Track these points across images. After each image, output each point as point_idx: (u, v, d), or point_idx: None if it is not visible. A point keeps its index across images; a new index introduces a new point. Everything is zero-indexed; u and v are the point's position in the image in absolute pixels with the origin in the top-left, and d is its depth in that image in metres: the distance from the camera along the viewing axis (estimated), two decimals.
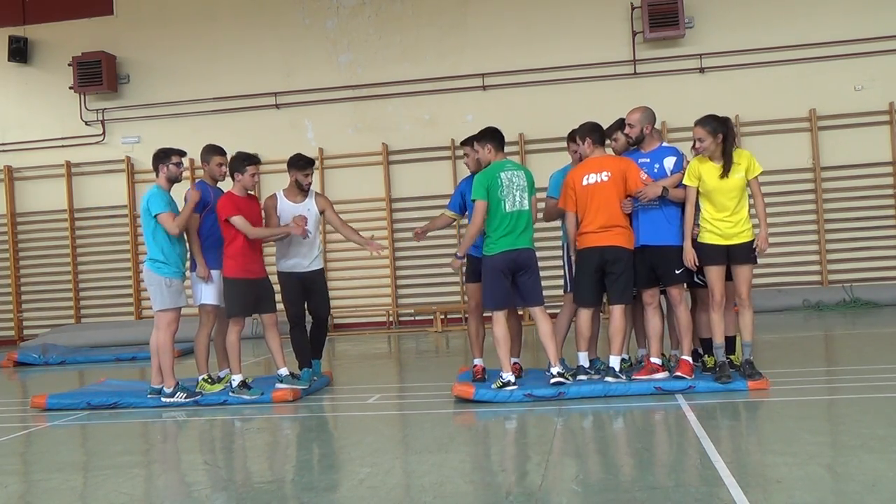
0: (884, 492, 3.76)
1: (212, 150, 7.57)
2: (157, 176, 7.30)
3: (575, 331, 6.85)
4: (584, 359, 6.81)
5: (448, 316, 14.33)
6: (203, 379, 7.49)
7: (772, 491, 3.87)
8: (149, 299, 7.66)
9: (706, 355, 6.89)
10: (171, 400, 7.18)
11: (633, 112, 6.75)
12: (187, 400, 7.18)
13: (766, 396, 6.20)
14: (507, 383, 6.62)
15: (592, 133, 6.78)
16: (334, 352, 11.64)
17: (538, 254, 6.87)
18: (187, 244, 7.39)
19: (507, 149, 7.09)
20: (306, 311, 7.75)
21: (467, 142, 7.32)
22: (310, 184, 7.64)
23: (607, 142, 6.94)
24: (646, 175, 6.56)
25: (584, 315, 6.76)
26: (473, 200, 6.67)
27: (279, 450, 5.83)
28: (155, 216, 7.07)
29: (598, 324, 7.03)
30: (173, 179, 7.32)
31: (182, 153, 7.43)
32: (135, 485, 4.81)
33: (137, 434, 6.51)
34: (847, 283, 13.57)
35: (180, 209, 7.27)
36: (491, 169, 6.69)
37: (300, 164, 7.58)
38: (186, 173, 15.11)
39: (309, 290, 7.67)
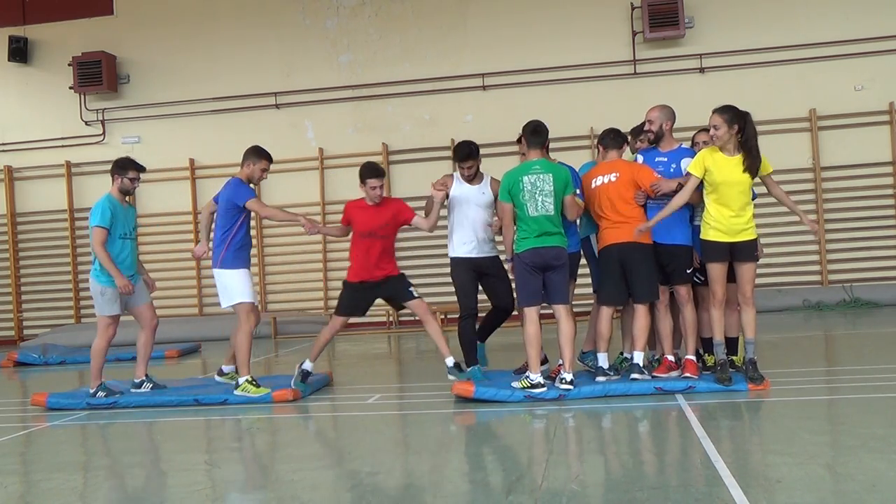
0: (884, 492, 3.76)
1: (261, 155, 7.31)
2: (112, 184, 7.40)
3: (595, 331, 6.84)
4: (603, 360, 6.75)
5: (448, 316, 14.30)
6: (247, 381, 7.17)
7: (772, 491, 3.87)
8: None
9: (706, 354, 6.90)
10: (95, 399, 7.34)
11: (653, 109, 6.82)
12: (108, 398, 7.33)
13: (767, 396, 6.20)
14: (536, 385, 6.49)
15: (604, 138, 6.91)
16: (334, 352, 11.63)
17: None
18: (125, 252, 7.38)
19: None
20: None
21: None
22: (469, 175, 7.19)
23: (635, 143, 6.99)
24: (658, 175, 6.58)
25: (605, 314, 6.75)
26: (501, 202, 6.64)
27: (279, 449, 5.83)
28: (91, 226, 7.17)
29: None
30: (126, 192, 7.42)
31: (141, 170, 7.50)
32: (135, 485, 4.81)
33: (137, 434, 6.51)
34: (847, 283, 13.58)
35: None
36: (515, 171, 6.60)
37: (455, 154, 7.31)
38: (187, 173, 15.35)
39: (483, 277, 7.34)
